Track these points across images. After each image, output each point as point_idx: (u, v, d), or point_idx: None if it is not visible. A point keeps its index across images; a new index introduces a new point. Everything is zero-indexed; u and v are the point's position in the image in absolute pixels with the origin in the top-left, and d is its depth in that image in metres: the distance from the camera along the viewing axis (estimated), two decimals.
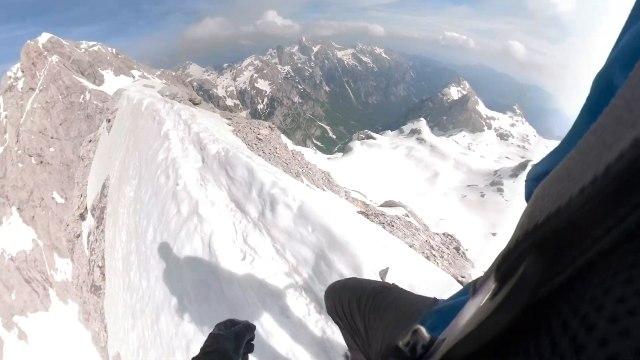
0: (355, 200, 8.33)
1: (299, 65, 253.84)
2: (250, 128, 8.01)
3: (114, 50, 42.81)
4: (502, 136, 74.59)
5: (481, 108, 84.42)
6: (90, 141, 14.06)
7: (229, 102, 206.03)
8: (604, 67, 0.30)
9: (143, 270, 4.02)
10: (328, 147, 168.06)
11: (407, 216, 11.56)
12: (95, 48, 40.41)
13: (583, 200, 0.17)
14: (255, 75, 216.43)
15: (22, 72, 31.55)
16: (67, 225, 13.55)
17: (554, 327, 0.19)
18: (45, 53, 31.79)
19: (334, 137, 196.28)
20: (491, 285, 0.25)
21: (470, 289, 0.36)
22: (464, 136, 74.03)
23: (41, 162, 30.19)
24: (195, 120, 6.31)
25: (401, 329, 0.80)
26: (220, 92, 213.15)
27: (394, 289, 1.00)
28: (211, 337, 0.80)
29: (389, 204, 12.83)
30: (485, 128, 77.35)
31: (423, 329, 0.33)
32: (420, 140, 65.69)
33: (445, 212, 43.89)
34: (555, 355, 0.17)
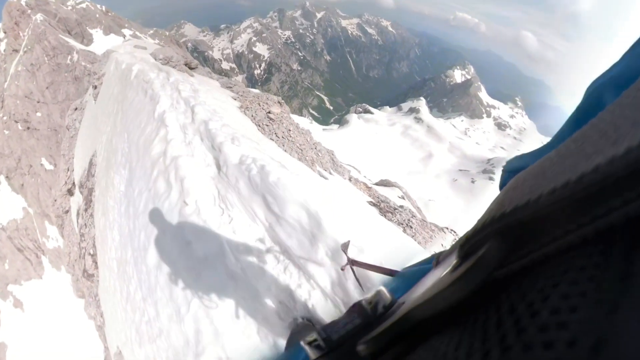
0: (358, 182, 8.22)
1: (301, 31, 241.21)
2: (259, 104, 7.14)
3: (103, 8, 40.54)
4: (500, 126, 74.27)
5: (483, 95, 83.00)
6: (75, 109, 13.50)
7: (225, 65, 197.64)
8: (598, 80, 0.31)
9: (147, 294, 3.44)
10: (324, 117, 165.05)
11: (403, 198, 11.81)
12: (84, 5, 38.28)
13: (551, 200, 0.19)
14: (254, 38, 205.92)
15: (4, 32, 29.67)
16: (55, 200, 13.44)
17: (503, 307, 0.21)
18: (29, 11, 29.69)
19: (331, 108, 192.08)
20: (453, 260, 0.27)
21: (434, 261, 0.39)
22: (462, 121, 73.50)
23: (28, 128, 29.40)
24: (198, 98, 5.40)
25: None
26: (216, 54, 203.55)
27: None
28: None
29: (384, 184, 12.88)
30: (485, 115, 76.69)
31: (385, 290, 0.37)
32: (418, 120, 65.12)
33: (434, 193, 44.64)
34: (499, 332, 0.19)
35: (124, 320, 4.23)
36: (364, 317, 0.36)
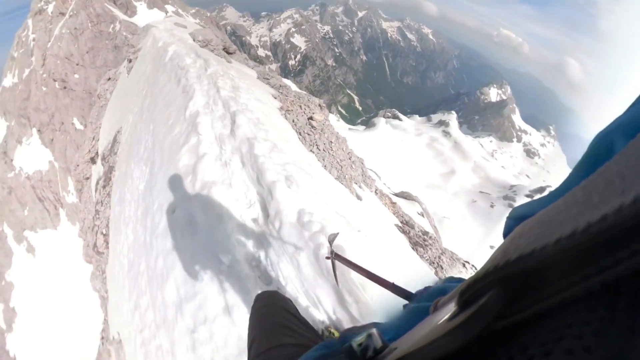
0: (383, 196, 7.88)
1: (340, 27, 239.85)
2: (300, 107, 6.58)
3: None
4: (529, 153, 70.81)
5: (516, 118, 79.32)
6: (109, 79, 13.45)
7: (261, 52, 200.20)
8: (607, 128, 0.30)
9: (162, 325, 3.01)
10: (352, 117, 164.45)
11: (422, 215, 11.46)
12: None
13: (557, 249, 0.18)
14: (293, 29, 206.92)
15: None
16: (78, 165, 13.74)
17: None
18: None
19: (360, 108, 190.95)
20: (451, 308, 0.26)
21: (432, 306, 0.38)
22: (490, 141, 70.55)
23: (64, 88, 30.85)
24: (239, 99, 4.62)
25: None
26: (253, 40, 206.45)
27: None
28: None
29: (405, 196, 12.64)
30: (515, 140, 73.27)
31: (376, 334, 0.35)
32: (446, 134, 63.22)
33: (450, 211, 43.34)
34: None
35: (130, 322, 3.90)
36: None
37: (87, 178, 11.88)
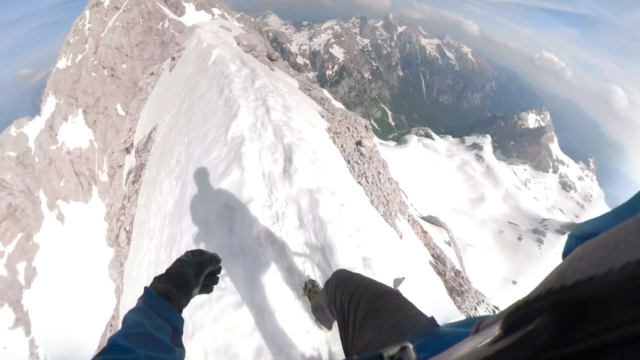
0: (415, 224, 7.59)
1: (379, 41, 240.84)
2: (348, 129, 6.07)
3: None
4: (565, 185, 65.76)
5: (554, 147, 74.31)
6: (152, 74, 13.53)
7: (300, 60, 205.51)
8: None
9: None
10: (384, 131, 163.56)
11: (449, 244, 11.02)
12: None
13: (622, 277, 0.15)
14: (332, 40, 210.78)
15: None
16: (113, 152, 14.20)
17: None
18: None
19: (393, 123, 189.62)
20: (495, 331, 0.24)
21: (473, 327, 0.35)
22: (524, 170, 66.51)
23: (112, 75, 33.18)
24: (292, 124, 3.96)
25: (392, 335, 0.83)
26: (293, 48, 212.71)
27: (395, 296, 1.03)
28: (177, 260, 0.86)
29: (433, 221, 12.55)
30: (551, 170, 68.48)
31: (412, 348, 0.34)
32: (479, 158, 60.69)
33: (475, 239, 41.16)
34: None
35: None
36: None
37: (120, 166, 12.15)
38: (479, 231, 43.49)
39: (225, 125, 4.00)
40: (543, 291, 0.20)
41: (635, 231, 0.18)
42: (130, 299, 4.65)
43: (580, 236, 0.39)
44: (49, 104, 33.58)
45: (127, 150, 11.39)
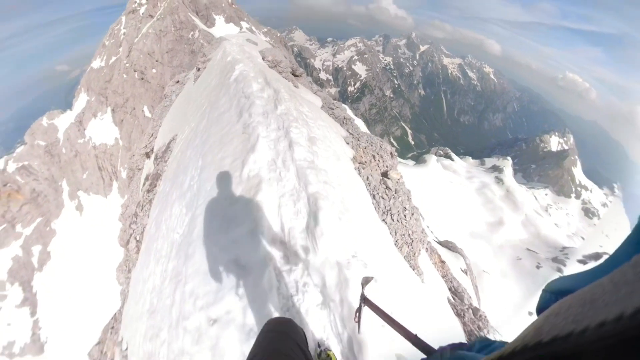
0: (433, 253, 7.34)
1: (401, 60, 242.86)
2: (374, 156, 5.79)
3: (230, 0, 46.54)
4: (588, 212, 61.88)
5: (577, 171, 70.58)
6: (177, 82, 13.69)
7: (322, 75, 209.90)
8: None
9: None
10: (403, 150, 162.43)
11: (465, 273, 10.64)
12: None
13: (599, 335, 0.16)
14: (355, 57, 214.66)
15: (147, 0, 36.20)
16: (133, 155, 14.41)
17: None
18: None
19: (412, 142, 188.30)
20: None
21: None
22: (546, 194, 63.39)
23: (142, 79, 35.14)
24: (317, 162, 3.57)
25: None
26: (317, 63, 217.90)
27: None
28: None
29: (449, 247, 12.20)
30: (573, 195, 64.80)
31: None
32: (499, 180, 58.88)
33: (491, 265, 39.38)
34: None
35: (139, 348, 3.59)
36: None
37: (140, 169, 12.25)
38: (496, 257, 41.59)
39: (241, 158, 3.62)
40: (519, 346, 0.20)
41: (610, 290, 0.18)
42: (133, 313, 4.55)
43: (555, 291, 0.38)
44: (81, 100, 35.77)
45: (147, 155, 11.39)
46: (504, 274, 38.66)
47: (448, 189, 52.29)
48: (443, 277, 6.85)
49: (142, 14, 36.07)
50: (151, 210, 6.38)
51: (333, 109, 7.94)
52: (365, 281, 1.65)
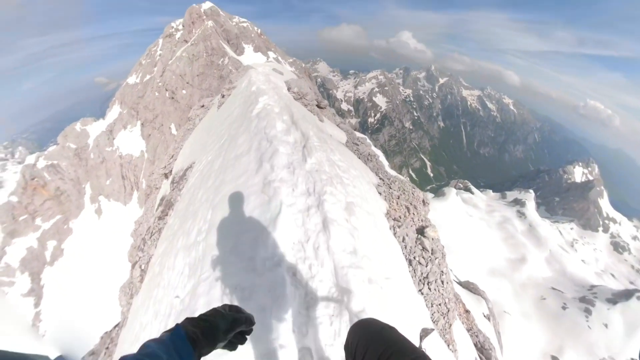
0: (458, 301, 6.94)
1: (421, 92, 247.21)
2: (408, 208, 5.26)
3: (258, 30, 49.98)
4: (617, 247, 57.07)
5: (604, 203, 66.22)
6: (202, 106, 13.74)
7: (344, 106, 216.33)
8: None
9: None
10: (422, 182, 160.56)
11: (488, 319, 10.13)
12: (244, 24, 47.92)
13: None
14: (376, 89, 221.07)
15: (183, 26, 39.92)
16: (152, 173, 14.66)
17: None
18: (204, 17, 39.55)
19: (431, 175, 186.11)
20: None
21: None
22: (571, 229, 59.56)
23: (172, 98, 37.82)
24: (357, 248, 2.90)
25: None
26: (339, 94, 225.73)
27: None
28: (213, 309, 0.87)
29: (470, 288, 11.72)
30: (601, 229, 60.34)
31: None
32: (520, 215, 56.46)
33: (513, 306, 36.83)
34: None
35: None
36: None
37: (157, 188, 12.27)
38: (518, 297, 38.80)
39: (256, 232, 2.88)
40: None
41: None
42: (129, 347, 4.36)
43: None
44: (114, 111, 38.68)
45: (166, 176, 11.37)
46: (527, 315, 35.82)
47: (468, 223, 50.67)
48: (468, 330, 6.37)
49: (178, 38, 39.58)
50: (159, 242, 6.06)
51: (358, 145, 7.74)
52: (425, 333, 1.43)
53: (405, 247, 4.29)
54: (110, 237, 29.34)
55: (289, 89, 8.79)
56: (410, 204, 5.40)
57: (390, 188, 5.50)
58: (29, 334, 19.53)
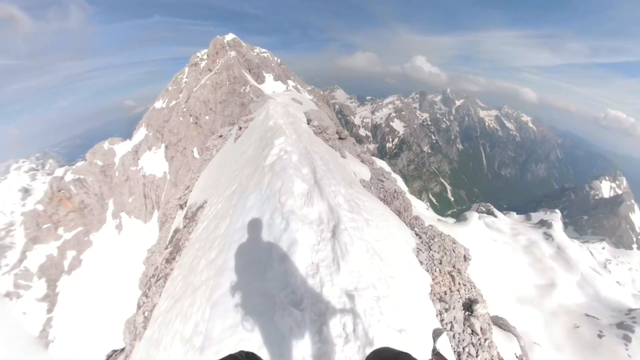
0: (492, 347, 6.09)
1: (438, 115, 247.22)
2: (452, 275, 4.67)
3: (278, 60, 52.83)
4: None
5: (636, 218, 60.94)
6: (220, 136, 13.41)
7: (362, 132, 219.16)
8: None
9: None
10: (442, 207, 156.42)
11: (521, 359, 9.62)
12: (265, 54, 50.95)
13: None
14: (393, 114, 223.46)
15: (207, 56, 43.29)
16: (168, 201, 15.21)
17: None
18: (227, 48, 42.86)
19: (452, 199, 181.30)
20: None
21: None
22: (603, 248, 55.15)
23: (196, 123, 40.30)
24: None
25: None
26: (356, 120, 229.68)
27: None
28: (229, 356, 0.84)
29: (500, 324, 10.94)
30: (635, 246, 55.20)
31: None
32: (547, 237, 53.46)
33: (543, 336, 34.10)
34: None
35: None
36: None
37: (172, 218, 12.06)
38: (548, 326, 35.88)
39: (273, 309, 2.53)
40: None
41: None
42: None
43: None
44: (140, 133, 41.50)
45: (181, 207, 11.24)
46: (559, 346, 32.99)
47: (492, 248, 47.92)
48: None
49: (203, 67, 42.89)
50: (162, 294, 5.65)
51: (383, 182, 7.41)
52: (437, 334, 1.38)
53: (454, 337, 3.46)
54: (128, 253, 30.53)
55: (308, 122, 8.22)
56: (454, 267, 4.67)
57: (430, 249, 4.89)
58: (34, 342, 20.19)
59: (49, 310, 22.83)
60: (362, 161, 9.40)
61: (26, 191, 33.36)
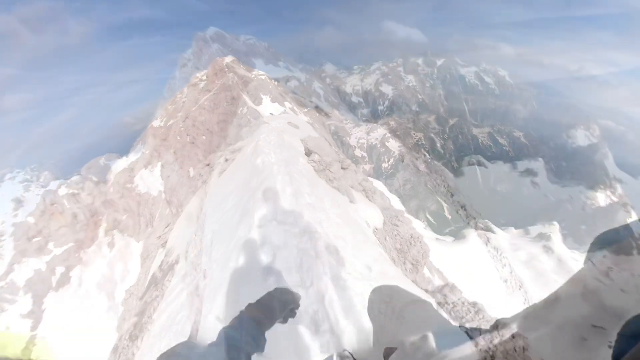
0: None
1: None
2: None
3: (276, 83, 54.20)
4: None
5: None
6: (207, 164, 12.72)
7: (358, 152, 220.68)
8: None
9: None
10: (440, 225, 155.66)
11: None
12: (263, 77, 52.37)
13: None
14: (388, 134, 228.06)
15: (207, 77, 44.69)
16: (149, 237, 13.75)
17: None
18: (226, 69, 44.24)
19: (449, 217, 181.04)
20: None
21: None
22: (604, 256, 54.30)
23: (193, 143, 40.58)
24: None
25: None
26: (352, 141, 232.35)
27: None
28: None
29: None
30: (635, 251, 54.75)
31: None
32: (547, 249, 52.81)
33: (551, 353, 32.83)
34: None
35: None
36: None
37: (153, 257, 11.33)
38: (555, 341, 34.73)
39: None
40: None
41: None
42: None
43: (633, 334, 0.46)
44: (137, 151, 41.59)
45: (163, 246, 10.66)
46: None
47: (492, 265, 48.42)
48: None
49: (201, 88, 44.04)
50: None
51: (397, 226, 6.97)
52: None
53: None
54: (118, 271, 29.68)
55: (307, 154, 7.36)
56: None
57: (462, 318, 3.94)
58: None
59: (33, 328, 21.88)
60: (366, 195, 8.61)
61: (19, 202, 33.06)
